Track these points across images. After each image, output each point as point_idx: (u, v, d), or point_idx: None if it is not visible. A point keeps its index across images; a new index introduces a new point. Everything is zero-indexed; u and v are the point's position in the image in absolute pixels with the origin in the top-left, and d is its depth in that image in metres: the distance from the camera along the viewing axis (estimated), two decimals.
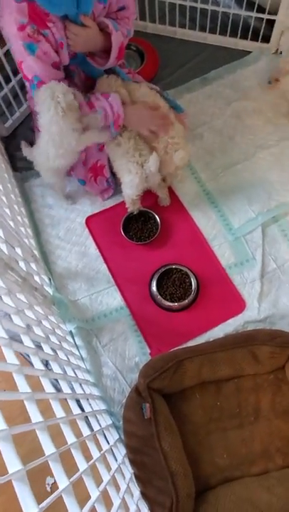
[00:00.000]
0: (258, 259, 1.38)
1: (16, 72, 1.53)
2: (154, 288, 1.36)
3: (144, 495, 1.05)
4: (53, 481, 1.21)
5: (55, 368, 0.89)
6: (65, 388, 0.88)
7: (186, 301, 1.33)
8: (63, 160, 1.22)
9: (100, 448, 0.88)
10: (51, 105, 1.06)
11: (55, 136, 1.12)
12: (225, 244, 1.42)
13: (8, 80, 1.56)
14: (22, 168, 1.57)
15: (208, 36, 1.77)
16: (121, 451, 1.09)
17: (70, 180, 1.49)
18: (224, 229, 1.44)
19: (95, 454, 0.79)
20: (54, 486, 1.19)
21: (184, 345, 1.29)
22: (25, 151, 1.27)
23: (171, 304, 1.34)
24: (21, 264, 1.11)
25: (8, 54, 1.45)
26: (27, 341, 0.76)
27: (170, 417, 1.17)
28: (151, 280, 1.38)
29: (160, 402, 1.16)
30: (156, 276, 1.37)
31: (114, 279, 1.40)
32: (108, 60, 1.22)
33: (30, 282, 1.10)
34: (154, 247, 1.43)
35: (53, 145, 1.15)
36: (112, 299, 1.37)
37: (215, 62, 1.74)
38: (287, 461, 1.14)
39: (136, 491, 1.02)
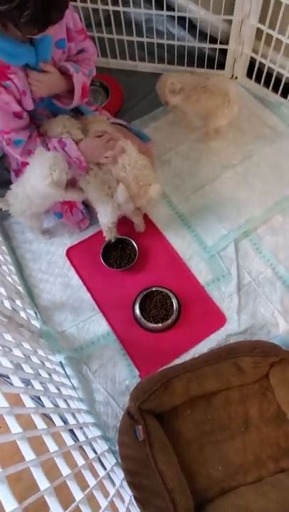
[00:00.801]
0: (234, 274, 1.46)
1: None
2: (137, 311, 1.42)
3: None
4: None
5: (47, 402, 0.93)
6: (58, 421, 0.92)
7: (169, 321, 1.39)
8: (42, 208, 1.30)
9: (96, 475, 0.92)
10: (45, 171, 1.15)
11: (39, 193, 1.22)
12: (201, 263, 1.49)
13: None
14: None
15: (168, 67, 1.88)
16: (119, 476, 1.13)
17: (46, 216, 1.55)
18: (199, 248, 1.52)
19: (92, 482, 0.83)
20: None
21: (171, 364, 1.34)
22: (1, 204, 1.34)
23: (155, 325, 1.39)
24: (6, 303, 1.15)
25: None
26: (16, 381, 0.80)
27: (163, 436, 1.21)
28: (134, 304, 1.44)
29: (153, 423, 1.20)
30: (138, 300, 1.43)
31: (99, 306, 1.45)
32: (73, 99, 1.30)
33: (15, 320, 1.14)
34: (134, 272, 1.49)
35: (35, 197, 1.23)
36: (98, 326, 1.42)
37: None
38: (279, 466, 1.19)
39: None
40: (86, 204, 1.49)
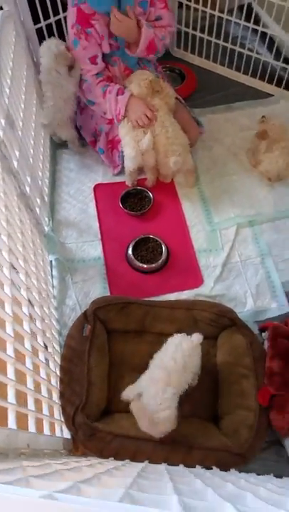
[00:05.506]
0: (226, 251, 1.57)
1: None
2: (130, 250, 1.58)
3: (61, 394, 1.21)
4: None
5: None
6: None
7: (154, 265, 1.54)
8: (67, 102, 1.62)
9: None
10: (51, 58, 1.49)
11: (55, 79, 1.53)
12: (202, 233, 1.63)
13: None
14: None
15: (241, 76, 2.10)
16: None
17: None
18: (205, 220, 1.66)
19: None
20: None
21: None
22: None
23: (140, 264, 1.54)
24: (27, 187, 1.39)
25: None
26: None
27: (105, 345, 1.35)
28: (129, 243, 1.60)
29: (101, 331, 1.34)
30: (134, 241, 1.59)
31: (101, 235, 1.64)
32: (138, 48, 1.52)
33: (28, 201, 1.36)
34: (142, 219, 1.67)
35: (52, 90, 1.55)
36: (94, 250, 1.61)
37: (241, 97, 2.05)
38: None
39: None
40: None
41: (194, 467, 1.06)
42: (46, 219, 1.63)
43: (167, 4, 1.54)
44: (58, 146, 1.91)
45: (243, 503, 0.40)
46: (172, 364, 1.06)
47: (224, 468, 1.06)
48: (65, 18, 1.71)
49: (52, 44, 1.49)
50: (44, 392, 1.06)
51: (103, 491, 0.34)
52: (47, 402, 1.06)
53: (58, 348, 1.36)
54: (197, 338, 1.13)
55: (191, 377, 1.10)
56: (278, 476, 1.04)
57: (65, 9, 1.67)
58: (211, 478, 0.67)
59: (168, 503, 0.34)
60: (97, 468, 0.63)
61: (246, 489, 0.52)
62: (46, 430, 1.00)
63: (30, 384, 0.94)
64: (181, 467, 1.04)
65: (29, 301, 1.12)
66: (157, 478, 0.54)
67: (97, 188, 1.77)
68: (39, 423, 0.96)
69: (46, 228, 1.60)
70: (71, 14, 1.44)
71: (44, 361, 1.12)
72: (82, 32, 1.44)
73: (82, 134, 1.84)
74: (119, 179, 1.79)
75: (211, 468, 1.07)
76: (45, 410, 1.04)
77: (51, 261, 1.54)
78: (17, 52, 1.41)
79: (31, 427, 0.88)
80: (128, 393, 1.12)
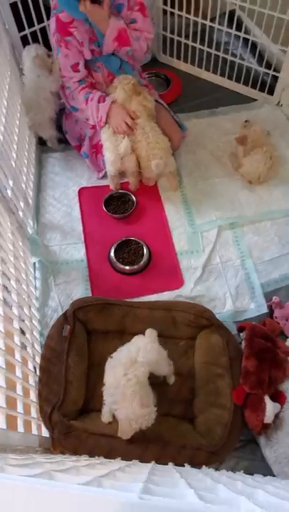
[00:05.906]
0: (206, 253, 1.60)
1: None
2: (112, 252, 1.61)
3: (39, 392, 1.23)
4: None
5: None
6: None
7: (135, 266, 1.56)
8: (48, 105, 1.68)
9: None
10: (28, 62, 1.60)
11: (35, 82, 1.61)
12: (183, 235, 1.66)
13: None
14: (45, 143, 1.93)
15: (226, 81, 2.13)
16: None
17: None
18: (187, 223, 1.68)
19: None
20: None
21: None
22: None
23: (121, 266, 1.57)
24: (9, 191, 1.42)
25: None
26: None
27: (85, 345, 1.37)
28: (112, 246, 1.63)
29: (80, 331, 1.36)
30: (116, 243, 1.62)
31: (85, 238, 1.67)
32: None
33: (8, 205, 1.39)
34: (125, 222, 1.70)
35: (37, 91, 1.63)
36: (78, 252, 1.63)
37: (226, 102, 2.09)
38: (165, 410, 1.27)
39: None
40: None
41: (167, 465, 1.08)
42: (30, 222, 1.66)
43: (144, 8, 1.57)
44: (43, 150, 1.94)
45: (170, 486, 0.42)
46: (123, 359, 1.10)
47: (198, 466, 1.07)
48: (49, 25, 1.75)
49: (31, 48, 1.58)
50: (19, 390, 1.08)
51: (28, 471, 0.37)
52: (22, 400, 1.08)
53: (38, 348, 1.38)
54: (149, 332, 1.17)
55: (148, 370, 1.11)
56: (249, 473, 1.05)
57: (49, 17, 1.71)
58: (166, 471, 0.69)
59: (87, 481, 0.36)
60: (55, 459, 0.65)
61: (190, 480, 0.54)
62: (20, 427, 1.02)
63: (1, 382, 0.96)
64: (151, 464, 1.05)
65: (5, 301, 1.14)
66: (105, 468, 0.56)
67: (81, 191, 1.80)
68: (12, 420, 0.98)
69: (30, 231, 1.62)
70: (52, 24, 1.48)
71: (20, 360, 1.14)
72: (62, 40, 1.48)
73: (67, 138, 1.87)
74: (103, 183, 1.82)
75: (184, 466, 1.09)
76: (20, 408, 1.05)
77: (34, 263, 1.56)
78: None
79: (1, 424, 0.90)
80: (105, 416, 1.18)
